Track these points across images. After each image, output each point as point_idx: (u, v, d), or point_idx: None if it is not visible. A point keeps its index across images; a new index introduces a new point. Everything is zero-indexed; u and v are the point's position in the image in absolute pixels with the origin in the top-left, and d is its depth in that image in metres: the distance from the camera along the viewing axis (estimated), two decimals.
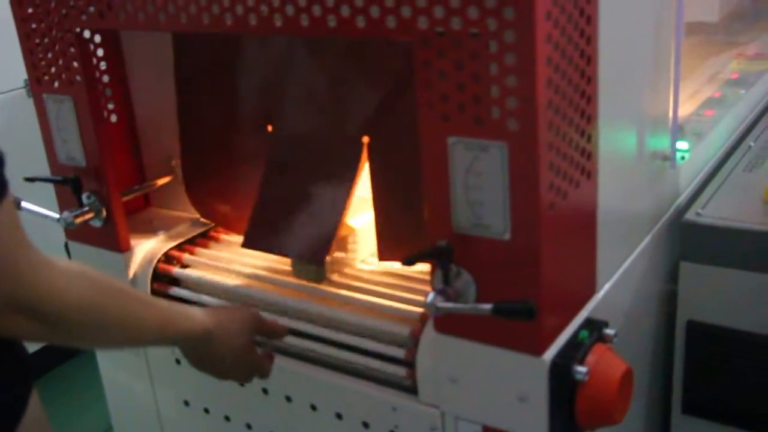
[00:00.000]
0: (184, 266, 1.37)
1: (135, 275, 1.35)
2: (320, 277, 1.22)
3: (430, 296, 0.94)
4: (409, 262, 0.94)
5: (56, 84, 1.29)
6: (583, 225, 1.04)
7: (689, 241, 1.32)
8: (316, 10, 0.97)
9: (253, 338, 1.09)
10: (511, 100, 0.88)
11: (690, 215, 1.33)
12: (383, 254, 1.22)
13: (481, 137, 0.90)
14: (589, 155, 1.00)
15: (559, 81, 0.90)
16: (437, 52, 0.90)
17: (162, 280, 1.35)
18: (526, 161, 0.89)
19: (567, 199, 0.96)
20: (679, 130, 1.31)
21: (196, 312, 1.02)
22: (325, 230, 1.21)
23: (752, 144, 1.62)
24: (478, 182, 0.92)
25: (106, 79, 1.43)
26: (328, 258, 1.21)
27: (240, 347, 1.06)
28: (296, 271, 1.25)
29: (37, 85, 1.32)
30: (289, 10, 0.99)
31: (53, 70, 1.28)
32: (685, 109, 1.58)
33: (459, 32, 0.88)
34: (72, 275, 0.84)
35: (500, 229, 0.92)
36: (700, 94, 1.73)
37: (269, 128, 1.31)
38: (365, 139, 1.20)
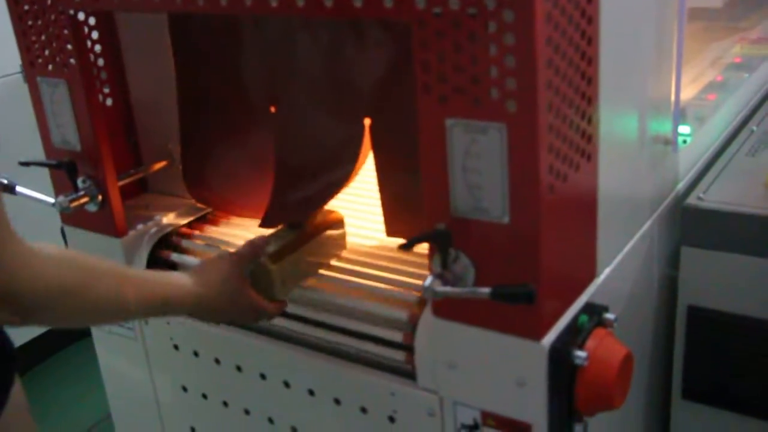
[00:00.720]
0: (182, 250, 1.36)
1: (132, 260, 1.34)
2: (270, 294, 1.13)
3: (428, 280, 0.93)
4: (407, 246, 0.93)
5: (50, 67, 1.28)
6: (583, 208, 1.03)
7: (690, 226, 1.30)
8: None
9: (246, 279, 1.08)
10: (510, 81, 0.86)
11: (691, 200, 1.31)
12: (390, 230, 1.23)
13: (480, 119, 0.89)
14: (590, 138, 0.99)
15: (559, 62, 0.89)
16: (435, 32, 0.88)
17: (159, 264, 1.34)
18: (525, 143, 0.88)
19: (567, 182, 0.95)
20: (680, 114, 1.29)
21: (183, 280, 1.02)
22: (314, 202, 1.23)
23: (755, 128, 1.60)
24: (477, 165, 0.91)
25: (101, 62, 1.42)
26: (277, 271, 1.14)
27: (232, 294, 1.06)
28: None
29: (30, 68, 1.31)
30: None
31: (47, 52, 1.27)
32: (687, 93, 1.56)
33: (457, 12, 0.86)
34: (51, 262, 0.84)
35: (499, 213, 0.91)
36: (702, 78, 1.72)
37: (272, 109, 1.30)
38: (367, 121, 1.19)
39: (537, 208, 0.89)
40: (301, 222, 1.21)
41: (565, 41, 0.90)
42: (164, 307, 1.00)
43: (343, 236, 1.25)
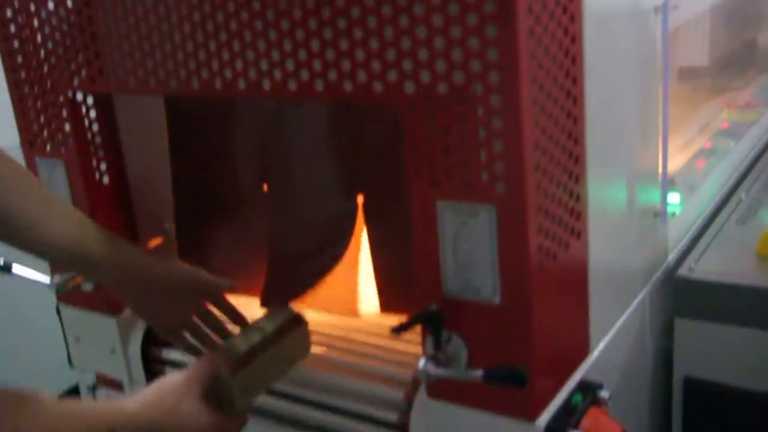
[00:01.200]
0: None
1: (127, 338, 1.34)
2: (230, 406, 1.04)
3: (422, 362, 0.93)
4: (398, 330, 0.93)
5: (48, 147, 1.30)
6: (574, 285, 1.03)
7: (683, 297, 1.31)
8: (304, 74, 0.98)
9: (201, 400, 0.98)
10: (499, 164, 0.88)
11: (683, 271, 1.32)
12: (384, 306, 1.22)
13: (470, 201, 0.90)
14: (578, 215, 1.00)
15: (546, 144, 0.91)
16: (424, 116, 0.91)
17: (155, 343, 1.33)
18: (514, 224, 0.89)
19: (557, 260, 0.95)
20: (670, 183, 1.30)
21: (130, 405, 0.93)
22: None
23: (743, 196, 1.62)
24: (468, 246, 0.92)
25: (98, 140, 1.43)
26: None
27: (186, 415, 0.95)
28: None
29: (29, 148, 1.33)
30: (277, 74, 1.00)
31: (45, 133, 1.29)
32: (678, 161, 1.58)
33: (445, 96, 0.89)
34: None
35: (490, 293, 0.92)
36: (692, 145, 1.74)
37: (265, 188, 1.32)
38: (360, 199, 1.21)
39: (527, 288, 0.90)
40: (282, 310, 1.18)
41: (552, 123, 0.92)
42: None
43: (307, 337, 1.17)
